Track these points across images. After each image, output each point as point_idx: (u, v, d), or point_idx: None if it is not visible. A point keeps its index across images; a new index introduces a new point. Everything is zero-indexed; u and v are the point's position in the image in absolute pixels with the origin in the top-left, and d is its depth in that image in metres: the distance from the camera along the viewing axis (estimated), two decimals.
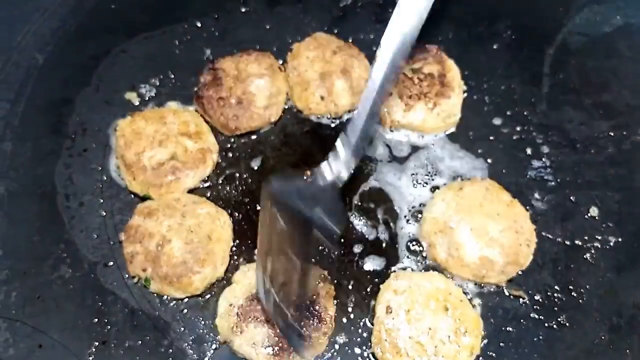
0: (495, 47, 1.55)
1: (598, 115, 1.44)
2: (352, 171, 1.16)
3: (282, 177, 1.18)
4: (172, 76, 1.49)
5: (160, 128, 1.35)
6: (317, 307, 1.17)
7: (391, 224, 1.33)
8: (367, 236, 1.32)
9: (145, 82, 1.48)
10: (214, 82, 1.42)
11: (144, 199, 1.31)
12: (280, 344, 1.14)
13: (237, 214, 1.34)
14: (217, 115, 1.39)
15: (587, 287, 1.26)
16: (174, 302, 1.24)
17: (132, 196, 1.34)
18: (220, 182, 1.38)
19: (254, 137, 1.44)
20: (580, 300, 1.24)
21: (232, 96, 1.40)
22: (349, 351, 1.20)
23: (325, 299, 1.18)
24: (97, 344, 1.19)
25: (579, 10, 1.59)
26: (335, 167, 1.15)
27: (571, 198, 1.35)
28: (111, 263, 1.27)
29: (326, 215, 1.12)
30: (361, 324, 1.23)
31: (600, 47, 1.54)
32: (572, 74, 1.50)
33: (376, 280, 1.27)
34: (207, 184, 1.37)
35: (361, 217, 1.34)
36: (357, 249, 1.31)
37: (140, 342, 1.20)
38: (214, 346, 1.20)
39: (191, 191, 1.35)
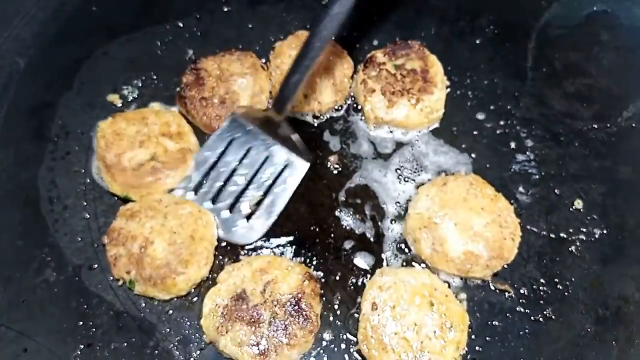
0: (477, 42, 1.56)
1: (581, 107, 1.45)
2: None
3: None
4: (155, 77, 1.49)
5: (142, 129, 1.34)
6: (302, 305, 1.16)
7: (377, 221, 1.33)
8: (353, 232, 1.32)
9: (128, 84, 1.48)
10: (197, 82, 1.41)
11: (126, 200, 1.31)
12: (266, 344, 1.13)
13: None
14: (199, 115, 1.39)
15: (573, 279, 1.26)
16: (159, 303, 1.24)
17: (116, 198, 1.34)
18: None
19: None
20: (565, 293, 1.25)
21: (214, 96, 1.40)
22: (335, 348, 1.20)
23: (310, 297, 1.18)
24: (82, 346, 1.19)
25: (557, 1, 1.60)
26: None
27: (555, 191, 1.36)
28: (95, 266, 1.27)
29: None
30: (348, 320, 1.23)
31: (579, 37, 1.55)
32: (554, 66, 1.51)
33: (362, 276, 1.27)
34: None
35: (348, 214, 1.34)
36: (344, 245, 1.31)
37: (125, 344, 1.20)
38: (199, 347, 1.20)
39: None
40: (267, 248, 1.30)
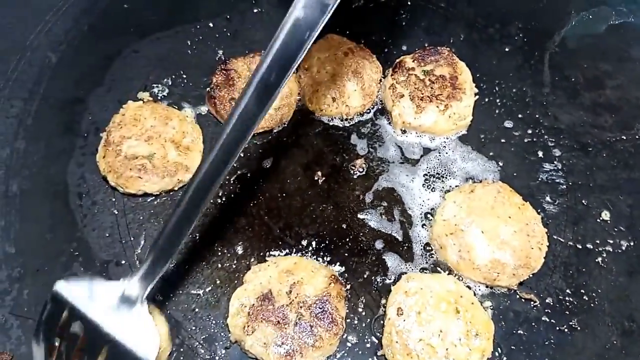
0: (506, 49, 1.55)
1: (610, 118, 1.44)
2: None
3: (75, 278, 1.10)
4: (185, 76, 1.50)
5: (158, 126, 1.36)
6: (328, 308, 1.17)
7: (403, 225, 1.33)
8: (378, 237, 1.32)
9: (158, 82, 1.49)
10: (226, 83, 1.42)
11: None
12: (291, 345, 1.14)
13: (248, 213, 1.34)
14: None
15: (599, 291, 1.25)
16: (185, 300, 1.25)
17: (144, 196, 1.35)
18: (232, 181, 1.38)
19: (265, 137, 1.44)
20: (591, 304, 1.24)
21: None
22: (360, 352, 1.20)
23: (336, 300, 1.18)
24: None
25: (584, 10, 1.59)
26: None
27: (583, 201, 1.35)
28: (123, 262, 1.28)
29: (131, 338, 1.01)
30: (372, 324, 1.23)
31: (606, 46, 1.54)
32: (581, 76, 1.50)
33: (387, 280, 1.27)
34: None
35: (373, 218, 1.34)
36: (369, 249, 1.31)
37: None
38: (225, 345, 1.20)
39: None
40: (292, 248, 1.31)
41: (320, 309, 1.17)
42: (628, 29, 1.56)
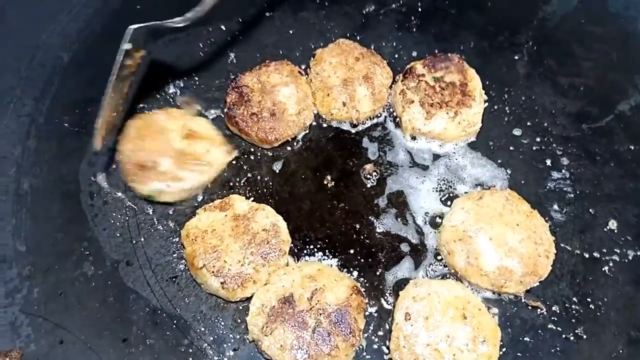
0: (516, 57, 1.56)
1: (619, 129, 1.44)
2: None
3: None
4: (196, 78, 1.51)
5: (187, 149, 1.36)
6: (348, 319, 1.17)
7: (411, 231, 1.34)
8: (387, 242, 1.33)
9: (169, 83, 1.49)
10: (241, 100, 1.42)
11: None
12: (307, 351, 1.14)
13: None
14: (254, 131, 1.39)
15: (605, 299, 1.26)
16: (195, 302, 1.26)
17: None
18: (242, 184, 1.39)
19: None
20: (598, 313, 1.25)
21: (263, 110, 1.41)
22: (367, 356, 1.21)
23: (356, 312, 1.19)
24: (117, 341, 1.21)
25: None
26: None
27: (590, 210, 1.36)
28: (133, 262, 1.29)
29: None
30: (380, 330, 1.24)
31: (621, 57, 1.54)
32: (591, 86, 1.51)
33: (396, 285, 1.28)
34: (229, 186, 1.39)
35: (382, 223, 1.35)
36: (378, 253, 1.32)
37: (160, 340, 1.22)
38: (233, 347, 1.21)
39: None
40: (301, 252, 1.32)
41: (340, 318, 1.17)
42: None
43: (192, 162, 1.34)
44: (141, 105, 1.47)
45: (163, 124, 1.38)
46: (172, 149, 1.34)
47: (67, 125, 1.43)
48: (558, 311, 1.25)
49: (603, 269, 1.29)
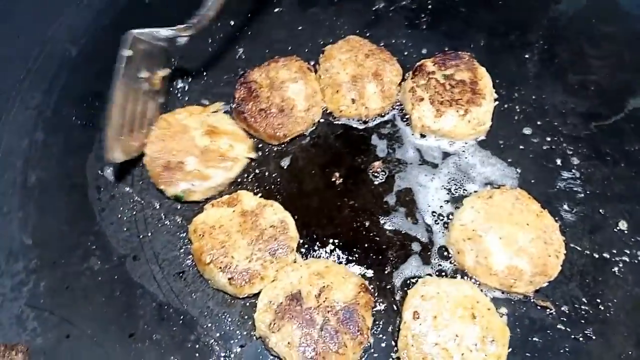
0: (526, 56, 1.55)
1: (629, 129, 1.43)
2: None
3: None
4: (205, 73, 1.50)
5: (211, 146, 1.36)
6: (355, 317, 1.16)
7: (421, 230, 1.33)
8: (397, 240, 1.32)
9: (178, 78, 1.49)
10: (250, 95, 1.42)
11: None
12: (315, 349, 1.13)
13: None
14: (262, 127, 1.39)
15: (615, 300, 1.25)
16: (202, 297, 1.25)
17: (162, 192, 1.35)
18: (250, 180, 1.38)
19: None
20: (607, 314, 1.24)
21: (272, 106, 1.41)
22: (375, 354, 1.20)
23: (364, 309, 1.18)
24: (124, 336, 1.20)
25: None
26: None
27: (600, 210, 1.35)
28: (140, 257, 1.28)
29: None
30: (388, 328, 1.23)
31: (630, 55, 1.53)
32: (601, 85, 1.50)
33: (404, 284, 1.27)
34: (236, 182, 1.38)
35: (391, 221, 1.34)
36: (386, 252, 1.31)
37: (167, 336, 1.21)
38: (240, 343, 1.21)
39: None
40: (309, 248, 1.31)
41: (348, 316, 1.16)
42: None
43: (217, 159, 1.33)
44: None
45: (185, 123, 1.38)
46: (196, 147, 1.34)
47: (74, 118, 1.42)
48: (567, 311, 1.24)
49: (613, 270, 1.28)
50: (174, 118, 1.39)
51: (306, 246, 1.31)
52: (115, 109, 1.26)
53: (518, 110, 1.47)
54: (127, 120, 1.29)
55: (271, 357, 1.19)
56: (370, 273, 1.28)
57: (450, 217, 1.34)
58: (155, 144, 1.34)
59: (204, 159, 1.33)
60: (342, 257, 1.30)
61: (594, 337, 1.22)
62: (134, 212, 1.33)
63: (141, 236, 1.30)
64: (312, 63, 1.51)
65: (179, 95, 1.47)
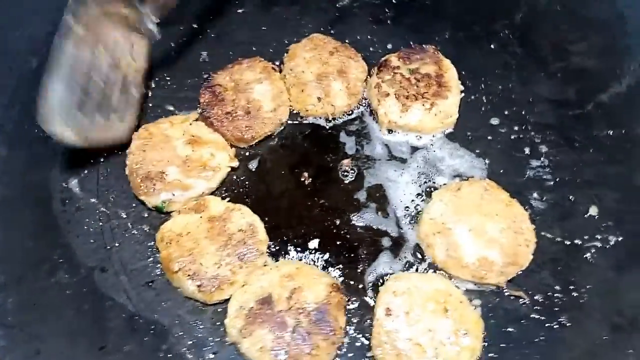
0: (492, 47, 1.55)
1: (598, 115, 1.43)
2: None
3: None
4: (168, 78, 1.49)
5: (193, 156, 1.34)
6: (327, 317, 1.15)
7: (391, 225, 1.32)
8: (367, 237, 1.31)
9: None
10: (215, 99, 1.40)
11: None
12: (287, 352, 1.12)
13: None
14: (229, 130, 1.38)
15: (588, 286, 1.25)
16: (172, 306, 1.23)
17: (129, 200, 1.34)
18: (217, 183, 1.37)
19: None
20: (581, 300, 1.24)
21: (237, 108, 1.39)
22: (349, 354, 1.19)
23: (336, 309, 1.17)
24: (94, 349, 1.18)
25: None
26: None
27: (570, 197, 1.35)
28: (108, 268, 1.26)
29: None
30: (362, 326, 1.22)
31: (600, 44, 1.53)
32: (569, 73, 1.50)
33: (376, 281, 1.26)
34: None
35: (362, 218, 1.33)
36: (357, 250, 1.30)
37: (138, 347, 1.19)
38: (213, 350, 1.19)
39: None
40: (280, 250, 1.30)
41: (320, 317, 1.15)
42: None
43: (198, 168, 1.32)
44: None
45: (166, 133, 1.36)
46: (178, 157, 1.33)
47: (37, 131, 1.39)
48: (541, 300, 1.24)
49: (585, 256, 1.28)
50: (156, 128, 1.37)
51: (276, 248, 1.30)
52: (65, 60, 1.20)
53: (485, 101, 1.47)
54: (93, 87, 1.24)
55: None
56: (342, 272, 1.27)
57: (421, 211, 1.33)
58: (136, 154, 1.32)
59: (185, 169, 1.31)
60: (313, 258, 1.29)
61: (568, 324, 1.22)
62: (100, 223, 1.31)
63: (108, 247, 1.29)
64: (277, 63, 1.50)
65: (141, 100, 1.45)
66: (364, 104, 1.46)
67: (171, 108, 1.45)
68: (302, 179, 1.37)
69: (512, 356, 1.19)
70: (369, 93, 1.45)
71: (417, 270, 1.27)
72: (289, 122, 1.44)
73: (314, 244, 1.30)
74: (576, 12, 1.56)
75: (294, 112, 1.45)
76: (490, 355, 1.19)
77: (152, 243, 1.29)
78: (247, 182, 1.37)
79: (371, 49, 1.54)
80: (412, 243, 1.30)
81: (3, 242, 1.27)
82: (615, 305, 1.23)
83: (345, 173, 1.38)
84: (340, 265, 1.28)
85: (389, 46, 1.54)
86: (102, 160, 1.39)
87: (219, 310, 1.23)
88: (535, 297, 1.24)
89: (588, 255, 1.28)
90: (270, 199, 1.35)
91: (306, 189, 1.37)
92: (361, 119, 1.45)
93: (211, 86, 1.42)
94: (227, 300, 1.21)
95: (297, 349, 1.12)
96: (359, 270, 1.28)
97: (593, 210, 1.33)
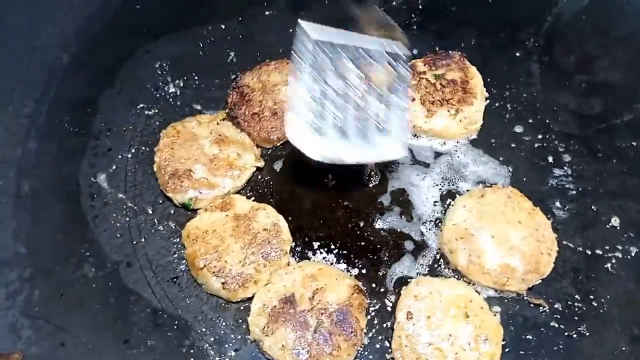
0: (517, 54, 1.55)
1: (622, 124, 1.44)
2: None
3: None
4: (196, 78, 1.50)
5: (220, 155, 1.36)
6: (349, 318, 1.16)
7: (414, 229, 1.34)
8: (390, 240, 1.32)
9: (169, 84, 1.49)
10: (243, 100, 1.42)
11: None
12: (308, 351, 1.14)
13: None
14: (256, 131, 1.39)
15: (608, 297, 1.25)
16: (196, 302, 1.25)
17: (156, 196, 1.36)
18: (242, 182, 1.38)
19: None
20: (600, 310, 1.24)
21: (264, 109, 1.41)
22: (370, 356, 1.21)
23: (358, 311, 1.18)
24: (119, 342, 1.20)
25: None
26: None
27: (592, 207, 1.35)
28: (134, 263, 1.28)
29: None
30: (382, 329, 1.23)
31: (624, 55, 1.53)
32: (593, 85, 1.50)
33: (398, 284, 1.27)
34: None
35: (384, 222, 1.34)
36: (379, 253, 1.31)
37: (161, 341, 1.21)
38: (234, 347, 1.21)
39: None
40: (303, 251, 1.31)
41: (341, 318, 1.16)
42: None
43: (225, 167, 1.33)
44: (141, 105, 1.47)
45: (194, 131, 1.38)
46: (205, 155, 1.34)
47: (67, 126, 1.42)
48: (560, 309, 1.24)
49: (605, 266, 1.29)
50: (183, 126, 1.39)
51: (300, 249, 1.31)
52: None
53: (509, 108, 1.47)
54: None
55: None
56: (364, 274, 1.29)
57: (443, 216, 1.34)
58: (164, 151, 1.34)
59: (212, 168, 1.33)
60: (336, 259, 1.30)
61: (587, 334, 1.22)
62: (128, 219, 1.33)
63: (135, 242, 1.31)
64: None
65: (170, 100, 1.47)
66: None
67: (198, 107, 1.47)
68: (326, 181, 1.39)
69: None
70: None
71: (438, 275, 1.28)
72: None
73: (336, 245, 1.31)
74: (602, 26, 1.55)
75: None
76: None
77: (178, 239, 1.31)
78: (271, 182, 1.39)
79: None
80: (434, 248, 1.31)
81: (32, 234, 1.29)
82: (635, 317, 1.23)
83: (369, 176, 1.39)
84: (363, 268, 1.29)
85: (415, 51, 1.55)
86: (129, 156, 1.41)
87: (241, 308, 1.25)
88: (555, 306, 1.25)
89: (609, 265, 1.29)
90: (294, 200, 1.37)
91: (330, 191, 1.38)
92: None
93: (239, 87, 1.43)
94: (250, 299, 1.22)
95: (318, 349, 1.14)
96: (380, 273, 1.29)
97: (615, 221, 1.33)
